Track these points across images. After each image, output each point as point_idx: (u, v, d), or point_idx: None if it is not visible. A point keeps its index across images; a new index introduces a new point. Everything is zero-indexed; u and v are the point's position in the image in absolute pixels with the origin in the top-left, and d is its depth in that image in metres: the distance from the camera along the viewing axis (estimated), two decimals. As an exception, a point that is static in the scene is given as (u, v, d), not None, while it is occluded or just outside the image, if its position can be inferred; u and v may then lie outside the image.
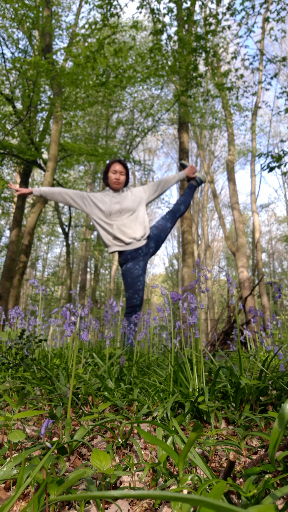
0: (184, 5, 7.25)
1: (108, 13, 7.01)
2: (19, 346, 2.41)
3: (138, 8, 7.12)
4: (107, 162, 3.87)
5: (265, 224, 31.39)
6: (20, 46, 11.36)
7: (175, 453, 0.78)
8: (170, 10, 7.14)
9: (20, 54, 10.62)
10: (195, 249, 23.70)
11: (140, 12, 7.22)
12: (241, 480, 0.88)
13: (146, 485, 0.91)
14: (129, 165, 19.35)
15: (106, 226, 3.59)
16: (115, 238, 3.57)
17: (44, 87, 10.36)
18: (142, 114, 14.93)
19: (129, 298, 3.47)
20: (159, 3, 7.06)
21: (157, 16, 7.20)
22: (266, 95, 43.74)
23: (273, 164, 5.52)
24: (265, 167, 5.47)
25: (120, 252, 3.63)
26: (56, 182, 11.79)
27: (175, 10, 7.42)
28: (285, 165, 5.56)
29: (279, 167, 5.48)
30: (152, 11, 7.20)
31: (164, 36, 7.33)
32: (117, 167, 3.67)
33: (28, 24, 9.70)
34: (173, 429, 1.04)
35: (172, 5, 7.24)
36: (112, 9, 6.97)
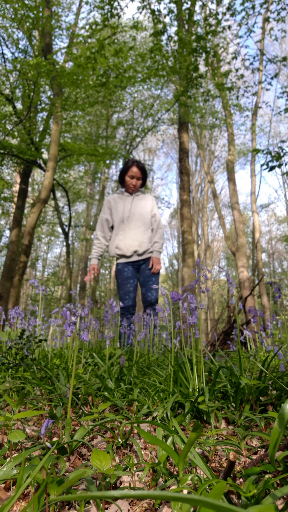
0: (185, 6, 7.25)
1: (109, 14, 7.01)
2: (19, 346, 2.41)
3: (138, 8, 7.12)
4: (126, 161, 3.84)
5: (265, 224, 31.40)
6: (20, 46, 11.36)
7: (175, 453, 0.78)
8: (170, 11, 7.15)
9: (20, 54, 10.63)
10: (195, 249, 23.70)
11: (141, 13, 7.22)
12: (241, 480, 0.88)
13: (146, 485, 0.91)
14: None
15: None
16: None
17: (44, 87, 10.36)
18: (142, 114, 14.93)
19: (120, 299, 3.61)
20: (159, 3, 7.06)
21: (157, 17, 7.20)
22: (266, 95, 43.74)
23: (273, 164, 5.52)
24: (265, 167, 5.46)
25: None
26: (56, 182, 11.79)
27: (175, 10, 7.43)
28: (285, 165, 5.55)
29: (279, 166, 5.48)
30: (152, 12, 7.20)
31: (164, 37, 7.32)
32: (135, 170, 3.66)
33: (28, 24, 9.70)
34: (173, 429, 1.04)
35: (172, 5, 7.24)
36: (112, 10, 6.97)
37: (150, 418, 1.36)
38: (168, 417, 1.33)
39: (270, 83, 7.71)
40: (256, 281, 14.33)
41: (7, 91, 10.22)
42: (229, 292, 2.06)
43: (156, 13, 7.28)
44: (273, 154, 5.45)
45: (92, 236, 19.97)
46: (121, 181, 3.77)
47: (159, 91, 13.81)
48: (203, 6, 7.30)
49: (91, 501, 0.81)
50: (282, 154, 5.43)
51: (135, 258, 3.63)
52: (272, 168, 5.48)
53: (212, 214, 27.90)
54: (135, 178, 3.66)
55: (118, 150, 13.87)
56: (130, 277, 3.62)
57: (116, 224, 3.65)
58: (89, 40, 8.75)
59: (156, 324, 3.17)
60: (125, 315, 3.56)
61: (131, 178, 3.67)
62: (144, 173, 3.72)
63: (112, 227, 3.74)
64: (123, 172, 3.71)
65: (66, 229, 12.59)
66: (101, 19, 7.14)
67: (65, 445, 1.08)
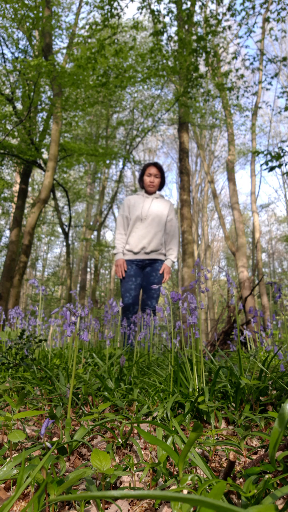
0: (184, 6, 7.25)
1: (109, 14, 7.01)
2: (19, 346, 2.41)
3: (138, 9, 7.12)
4: (144, 165, 3.94)
5: (265, 224, 31.40)
6: (20, 46, 11.36)
7: (175, 453, 0.78)
8: (170, 11, 7.15)
9: (20, 54, 10.62)
10: (195, 249, 23.69)
11: (141, 13, 7.22)
12: (241, 480, 0.88)
13: (146, 485, 0.91)
14: (129, 165, 19.39)
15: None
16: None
17: (44, 87, 10.36)
18: (142, 114, 14.94)
19: (122, 296, 3.62)
20: (159, 3, 7.06)
21: (157, 18, 7.20)
22: (266, 95, 43.75)
23: (273, 164, 5.52)
24: (266, 167, 5.46)
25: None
26: (56, 182, 11.79)
27: (175, 10, 7.43)
28: (285, 165, 5.55)
29: (279, 166, 5.48)
30: (152, 12, 7.20)
31: (164, 36, 7.33)
32: (152, 170, 3.75)
33: (28, 24, 9.69)
34: (173, 429, 1.04)
35: (172, 5, 7.24)
36: (112, 10, 6.97)
37: (150, 418, 1.36)
38: (168, 417, 1.33)
39: (270, 83, 7.71)
40: (256, 281, 14.33)
41: (7, 91, 10.23)
42: (229, 292, 2.06)
43: (156, 13, 7.27)
44: (273, 154, 5.46)
45: (92, 236, 19.97)
46: (141, 182, 3.85)
47: (159, 91, 13.82)
48: (203, 6, 7.30)
49: (91, 501, 0.81)
50: (282, 154, 5.43)
51: (141, 256, 3.65)
52: (272, 169, 5.48)
53: (212, 214, 27.91)
54: (153, 176, 3.75)
55: (118, 150, 13.87)
56: (133, 275, 3.63)
57: (132, 222, 3.69)
58: (89, 40, 8.75)
59: (156, 324, 3.17)
60: (126, 314, 3.56)
61: (148, 176, 3.76)
62: (162, 172, 3.80)
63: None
64: (142, 173, 3.82)
65: (66, 229, 12.59)
66: (101, 19, 7.14)
67: (65, 445, 1.08)
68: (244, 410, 1.34)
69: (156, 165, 3.78)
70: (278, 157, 5.44)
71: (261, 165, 5.79)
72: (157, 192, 3.85)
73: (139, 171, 3.90)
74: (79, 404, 1.56)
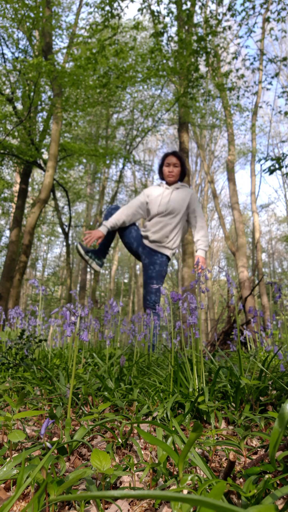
0: (184, 7, 7.24)
1: (109, 14, 7.01)
2: (19, 346, 2.41)
3: (139, 10, 7.12)
4: (162, 155, 3.79)
5: (265, 224, 31.40)
6: (20, 46, 11.36)
7: (175, 453, 0.78)
8: (170, 12, 7.14)
9: (20, 54, 10.62)
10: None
11: (142, 13, 7.22)
12: (241, 480, 0.88)
13: (146, 485, 0.90)
14: (129, 165, 19.39)
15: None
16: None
17: (44, 87, 10.35)
18: (142, 114, 14.93)
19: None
20: (159, 5, 7.06)
21: (157, 18, 7.20)
22: (266, 95, 43.77)
23: (273, 167, 5.52)
24: (267, 171, 5.47)
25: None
26: (56, 182, 11.79)
27: (175, 11, 7.43)
28: (285, 167, 5.56)
29: (279, 169, 5.49)
30: (152, 13, 7.20)
31: (164, 37, 7.32)
32: (171, 159, 3.60)
33: (28, 24, 9.69)
34: (173, 429, 1.04)
35: (172, 6, 7.24)
36: (113, 10, 6.97)
37: (150, 418, 1.36)
38: (168, 417, 1.32)
39: (270, 83, 7.71)
40: (256, 281, 14.33)
41: (7, 91, 10.23)
42: (229, 292, 2.06)
43: (156, 14, 7.27)
44: (273, 157, 5.47)
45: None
46: (160, 174, 3.70)
47: (159, 91, 13.82)
48: (203, 6, 7.30)
49: (91, 501, 0.81)
50: (282, 158, 5.44)
51: (145, 241, 3.58)
52: (273, 171, 5.48)
53: (212, 214, 27.90)
54: (172, 165, 3.59)
55: (118, 150, 13.86)
56: (135, 235, 3.55)
57: (151, 215, 3.58)
58: (89, 40, 8.75)
59: (156, 324, 3.16)
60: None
61: (167, 166, 3.61)
62: (181, 161, 3.64)
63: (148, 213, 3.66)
64: (161, 164, 3.67)
65: (66, 229, 12.59)
66: (101, 19, 7.14)
67: (65, 445, 1.08)
68: (244, 410, 1.34)
69: (175, 154, 3.61)
70: (278, 160, 5.45)
71: (263, 169, 5.79)
72: (179, 182, 3.67)
73: (159, 162, 3.70)
74: (79, 404, 1.56)
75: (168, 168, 3.60)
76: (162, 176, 3.70)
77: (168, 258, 3.60)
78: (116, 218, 3.45)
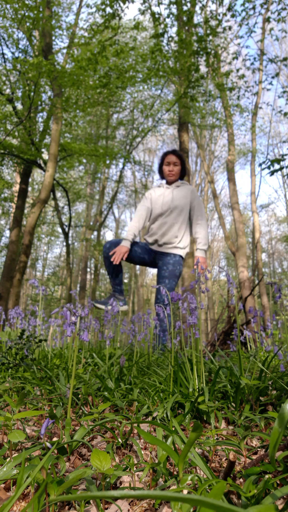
0: (185, 8, 7.24)
1: (109, 15, 7.01)
2: (19, 346, 2.41)
3: (139, 11, 7.12)
4: (162, 154, 3.71)
5: (265, 224, 31.39)
6: (20, 46, 11.35)
7: (175, 453, 0.78)
8: (170, 13, 7.14)
9: (20, 54, 10.62)
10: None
11: (142, 13, 7.22)
12: (241, 480, 0.88)
13: (146, 485, 0.90)
14: (129, 165, 19.40)
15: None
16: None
17: (44, 87, 10.36)
18: (142, 114, 14.94)
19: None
20: (159, 5, 7.06)
21: (158, 20, 7.20)
22: (266, 95, 43.77)
23: (274, 168, 5.52)
24: (268, 172, 5.48)
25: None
26: (56, 182, 11.79)
27: (175, 11, 7.43)
28: (286, 167, 5.56)
29: (280, 169, 5.49)
30: (153, 14, 7.20)
31: (165, 37, 7.32)
32: (171, 158, 3.58)
33: (28, 24, 9.69)
34: (173, 429, 1.04)
35: (173, 6, 7.24)
36: (113, 12, 6.97)
37: (150, 418, 1.36)
38: (168, 417, 1.32)
39: (270, 83, 7.71)
40: (256, 281, 14.33)
41: (7, 91, 10.22)
42: (229, 292, 2.06)
43: (157, 15, 7.28)
44: (274, 160, 5.47)
45: (92, 236, 19.95)
46: (160, 173, 3.69)
47: (159, 91, 13.82)
48: (203, 7, 7.30)
49: (91, 501, 0.81)
50: (282, 159, 5.45)
51: (154, 247, 3.55)
52: (273, 172, 5.48)
53: (212, 214, 27.90)
54: (172, 164, 3.58)
55: (118, 150, 13.87)
56: (141, 251, 3.52)
57: (153, 216, 3.56)
58: (89, 41, 8.75)
59: (157, 325, 3.16)
60: (106, 262, 3.43)
61: (167, 165, 3.59)
62: (181, 160, 3.62)
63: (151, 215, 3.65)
64: (161, 163, 3.65)
65: (66, 229, 12.59)
66: (101, 20, 7.15)
67: (65, 445, 1.08)
68: (244, 410, 1.34)
69: (175, 153, 3.59)
70: (278, 162, 5.45)
71: (261, 168, 5.79)
72: (179, 181, 3.66)
73: (159, 161, 3.68)
74: (79, 404, 1.56)
75: (168, 167, 3.58)
76: (162, 175, 3.68)
77: (182, 257, 3.57)
78: (133, 230, 3.47)
